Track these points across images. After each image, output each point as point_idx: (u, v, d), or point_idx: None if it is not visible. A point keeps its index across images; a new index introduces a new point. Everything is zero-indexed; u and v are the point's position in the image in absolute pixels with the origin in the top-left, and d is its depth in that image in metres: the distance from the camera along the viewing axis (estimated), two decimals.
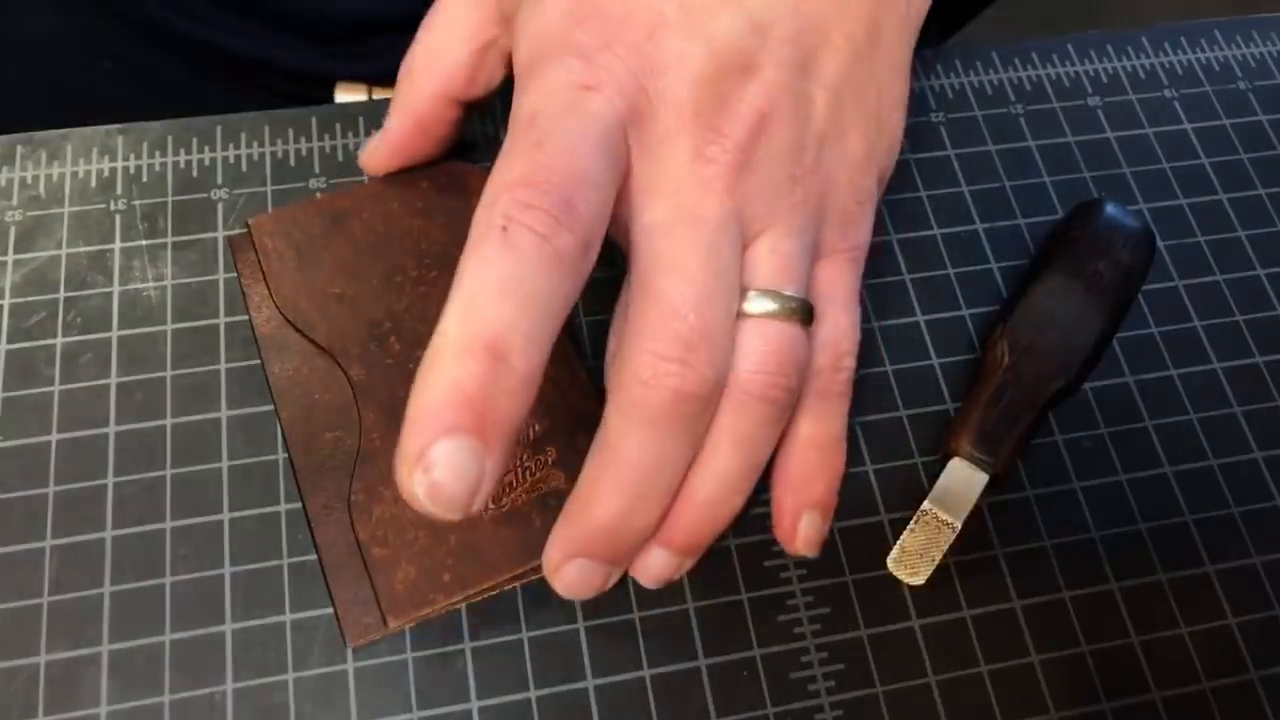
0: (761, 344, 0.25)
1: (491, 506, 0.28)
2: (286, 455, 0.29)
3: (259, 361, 0.30)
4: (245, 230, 0.31)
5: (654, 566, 0.26)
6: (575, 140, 0.23)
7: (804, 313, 0.26)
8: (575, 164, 0.23)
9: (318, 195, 0.33)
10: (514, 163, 0.23)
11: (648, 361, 0.23)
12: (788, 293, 0.26)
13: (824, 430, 0.28)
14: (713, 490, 0.26)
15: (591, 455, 0.25)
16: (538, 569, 0.27)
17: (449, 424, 0.21)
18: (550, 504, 0.28)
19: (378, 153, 0.31)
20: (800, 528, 0.28)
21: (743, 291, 0.25)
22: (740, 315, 0.25)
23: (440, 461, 0.21)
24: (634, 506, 0.25)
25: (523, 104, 0.25)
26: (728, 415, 0.25)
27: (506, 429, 0.22)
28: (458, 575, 0.27)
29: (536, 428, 0.29)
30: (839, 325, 0.28)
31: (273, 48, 0.45)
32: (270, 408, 0.30)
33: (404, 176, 0.32)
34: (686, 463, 0.25)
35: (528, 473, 0.28)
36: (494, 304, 0.21)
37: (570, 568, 0.25)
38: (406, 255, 0.31)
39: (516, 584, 0.27)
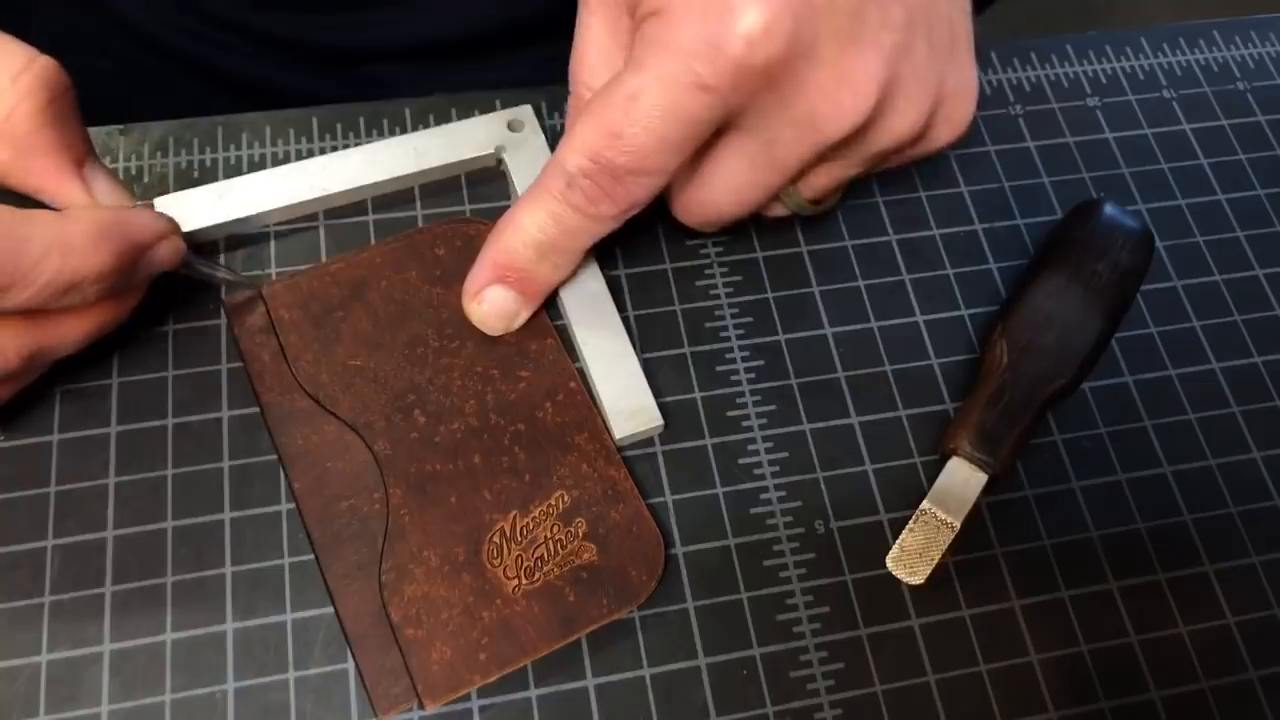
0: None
1: (525, 582, 0.28)
2: (293, 506, 0.29)
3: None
4: (249, 296, 0.31)
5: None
6: (657, 142, 0.26)
7: None
8: (646, 162, 0.26)
9: (324, 260, 0.32)
10: (599, 129, 0.26)
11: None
12: None
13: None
14: None
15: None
16: (575, 641, 0.27)
17: (499, 276, 0.30)
18: (583, 578, 0.28)
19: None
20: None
21: None
22: None
23: (489, 298, 0.30)
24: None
25: (636, 76, 0.25)
26: None
27: (539, 292, 0.30)
28: (494, 654, 0.27)
29: (566, 499, 0.29)
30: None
31: (273, 70, 0.45)
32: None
33: (419, 238, 0.32)
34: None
35: (559, 545, 0.28)
36: (541, 223, 0.28)
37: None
38: (427, 325, 0.31)
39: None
